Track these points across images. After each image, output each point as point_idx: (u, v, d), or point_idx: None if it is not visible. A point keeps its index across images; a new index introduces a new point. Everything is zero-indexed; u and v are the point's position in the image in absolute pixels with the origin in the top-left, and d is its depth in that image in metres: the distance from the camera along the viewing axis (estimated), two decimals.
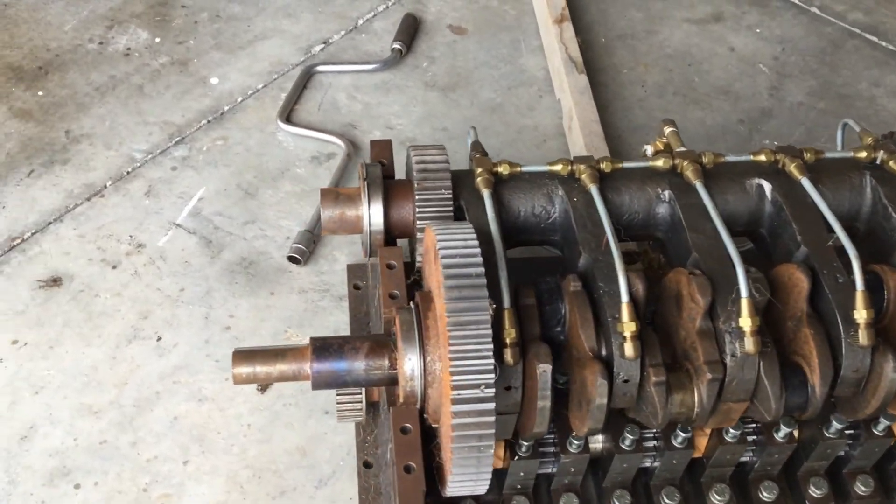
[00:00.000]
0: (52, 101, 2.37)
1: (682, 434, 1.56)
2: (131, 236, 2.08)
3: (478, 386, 1.23)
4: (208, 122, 2.35)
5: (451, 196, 1.53)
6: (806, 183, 1.55)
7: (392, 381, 1.39)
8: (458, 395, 1.23)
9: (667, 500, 1.64)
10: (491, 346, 1.24)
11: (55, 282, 1.98)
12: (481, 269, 1.28)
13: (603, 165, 1.58)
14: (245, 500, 1.68)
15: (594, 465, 1.64)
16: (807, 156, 1.60)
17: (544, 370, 1.33)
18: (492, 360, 1.23)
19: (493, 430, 1.25)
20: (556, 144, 2.36)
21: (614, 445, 1.57)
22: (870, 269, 1.52)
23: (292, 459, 1.74)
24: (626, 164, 1.60)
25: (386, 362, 1.38)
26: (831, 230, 1.55)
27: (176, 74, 2.47)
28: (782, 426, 1.58)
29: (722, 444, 1.58)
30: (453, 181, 1.57)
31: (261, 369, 1.38)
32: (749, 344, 1.36)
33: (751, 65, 2.63)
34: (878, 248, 1.60)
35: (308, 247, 2.05)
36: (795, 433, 1.60)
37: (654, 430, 1.58)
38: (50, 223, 2.10)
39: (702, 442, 1.61)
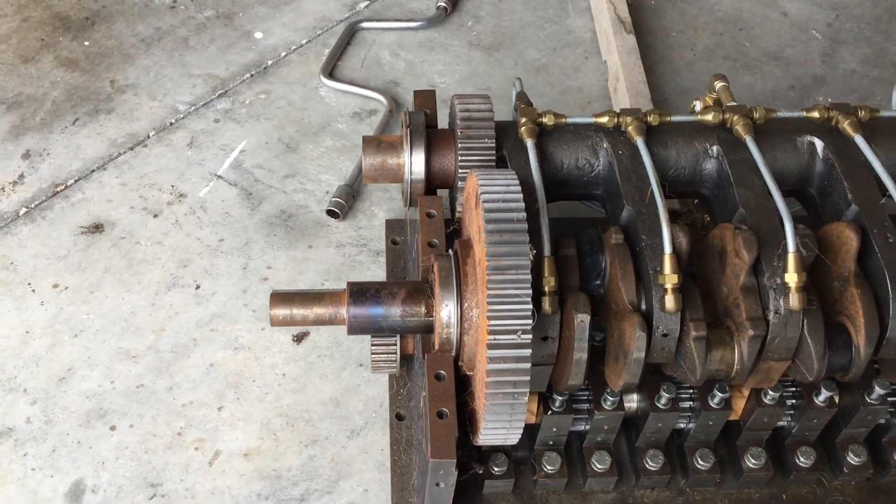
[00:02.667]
0: (99, 51, 2.38)
1: (720, 394, 1.53)
2: (173, 186, 2.08)
3: (515, 332, 1.21)
4: (251, 75, 2.35)
5: (493, 145, 1.51)
6: (860, 140, 1.51)
7: (428, 329, 1.38)
8: (495, 339, 1.21)
9: (700, 463, 1.61)
10: (530, 291, 1.22)
11: (97, 228, 2.00)
12: (523, 215, 1.26)
13: (650, 118, 1.55)
14: (278, 447, 1.68)
15: (627, 424, 1.62)
16: (861, 114, 1.56)
17: (582, 320, 1.31)
18: (530, 306, 1.21)
19: (527, 378, 1.23)
20: (601, 106, 2.32)
21: (650, 404, 1.55)
22: None
23: (325, 409, 1.74)
24: (675, 118, 1.57)
25: (423, 309, 1.37)
26: (884, 190, 1.51)
27: (221, 28, 2.46)
28: (823, 390, 1.55)
29: (760, 406, 1.55)
30: (497, 131, 1.54)
31: (298, 312, 1.38)
32: (794, 300, 1.32)
33: (803, 31, 2.56)
34: None
35: (347, 201, 2.04)
36: (836, 398, 1.58)
37: (691, 391, 1.56)
38: (93, 171, 2.11)
39: (739, 404, 1.58)
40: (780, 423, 1.62)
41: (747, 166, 1.50)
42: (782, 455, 1.64)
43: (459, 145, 1.51)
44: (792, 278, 1.32)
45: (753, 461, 1.62)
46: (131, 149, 2.16)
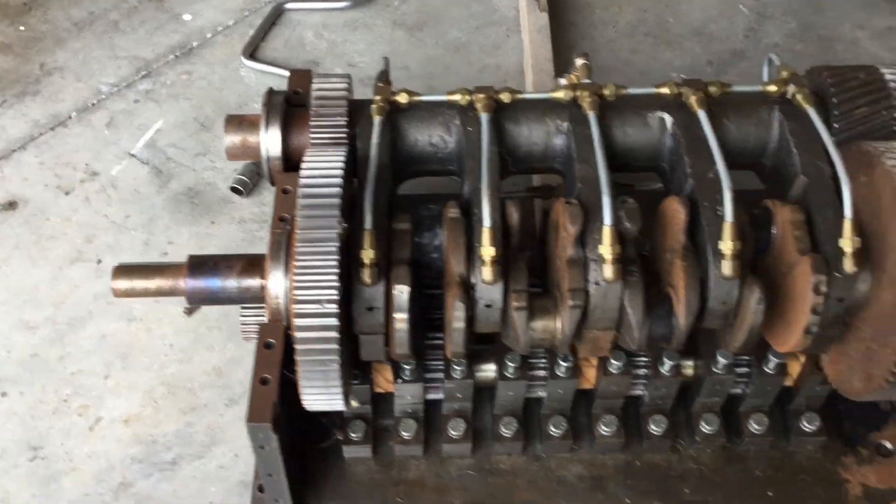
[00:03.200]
0: (32, 35, 2.47)
1: (564, 364, 1.58)
2: (87, 165, 2.16)
3: (320, 301, 1.27)
4: (176, 56, 2.42)
5: (345, 123, 1.56)
6: (702, 115, 1.52)
7: (263, 300, 1.44)
8: (301, 309, 1.27)
9: (554, 430, 1.66)
10: (335, 262, 1.27)
11: (11, 205, 2.09)
12: (336, 190, 1.31)
13: (502, 96, 1.58)
14: (157, 415, 1.76)
15: (484, 392, 1.67)
16: (712, 89, 1.58)
17: (401, 291, 1.36)
18: (334, 277, 1.27)
19: (335, 346, 1.28)
20: (517, 84, 2.35)
21: (499, 373, 1.60)
22: (762, 203, 1.51)
23: (208, 379, 1.81)
24: (527, 96, 1.60)
25: (258, 281, 1.43)
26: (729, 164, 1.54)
27: (151, 10, 2.53)
28: (666, 359, 1.59)
29: (606, 375, 1.60)
30: (353, 110, 1.59)
31: (139, 283, 1.45)
32: (608, 271, 1.36)
33: (731, 5, 2.56)
34: (781, 184, 1.57)
35: (252, 179, 2.10)
36: (688, 369, 1.61)
37: (544, 359, 1.61)
38: (14, 151, 2.20)
39: (590, 373, 1.62)
40: (638, 392, 1.67)
41: (591, 142, 1.53)
42: (637, 422, 1.69)
43: (311, 123, 1.56)
44: (606, 250, 1.36)
45: (606, 428, 1.66)
46: (52, 129, 2.25)
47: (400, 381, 1.59)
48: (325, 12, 2.54)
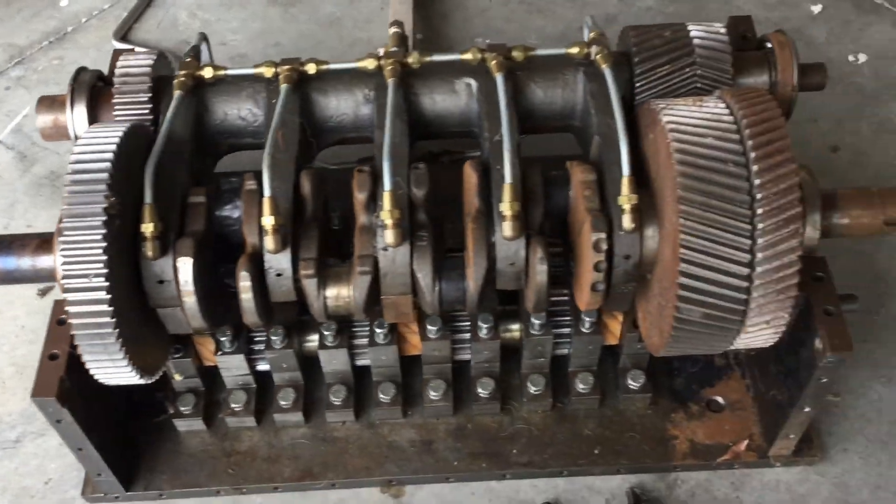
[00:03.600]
0: None
1: (380, 330, 1.60)
2: None
3: (87, 276, 1.28)
4: (49, 42, 2.43)
5: (148, 101, 1.57)
6: (499, 79, 1.53)
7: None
8: (69, 283, 1.29)
9: (383, 396, 1.68)
10: (100, 236, 1.28)
11: None
12: (105, 165, 1.32)
13: (307, 67, 1.59)
14: (4, 394, 1.79)
15: (315, 362, 1.69)
16: (516, 53, 1.58)
17: (184, 262, 1.38)
18: (100, 251, 1.28)
19: (109, 319, 1.30)
20: None
21: (320, 342, 1.63)
22: (564, 165, 1.52)
23: None
24: (335, 66, 1.61)
25: (50, 259, 1.44)
26: (522, 128, 1.55)
27: None
28: (480, 322, 1.61)
29: (424, 339, 1.62)
30: (159, 87, 1.60)
31: None
32: (390, 236, 1.38)
33: None
34: (587, 145, 1.58)
35: None
36: (505, 332, 1.63)
37: (366, 327, 1.63)
38: None
39: (414, 339, 1.64)
40: (465, 357, 1.69)
41: (392, 110, 1.53)
42: (467, 385, 1.71)
43: (115, 101, 1.57)
44: (387, 215, 1.37)
45: (434, 393, 1.68)
46: None
47: (220, 353, 1.62)
48: None
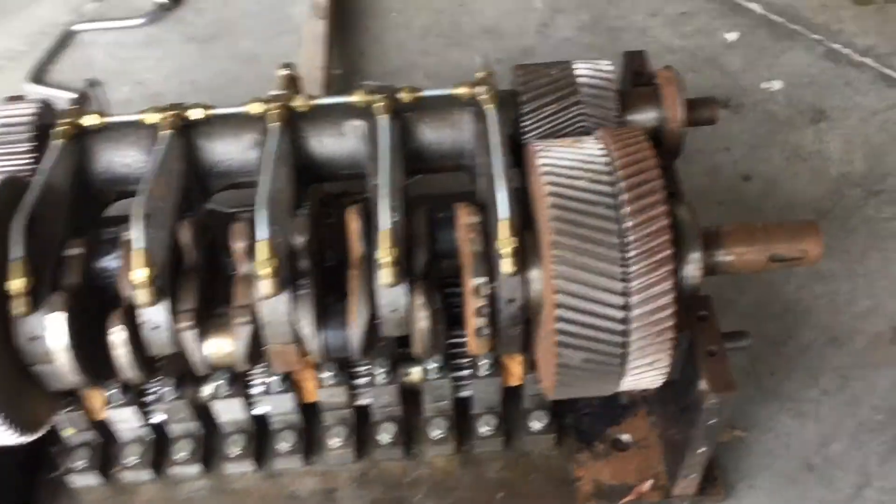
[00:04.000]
0: None
1: (273, 377, 1.58)
2: None
3: None
4: None
5: (28, 151, 1.54)
6: (381, 122, 1.52)
7: None
8: None
9: (284, 445, 1.65)
10: None
11: None
12: None
13: (191, 112, 1.57)
14: None
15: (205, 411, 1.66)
16: (403, 95, 1.57)
17: (55, 318, 1.34)
18: None
19: None
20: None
21: (213, 393, 1.60)
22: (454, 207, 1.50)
23: None
24: (221, 111, 1.59)
25: None
26: (411, 169, 1.55)
27: None
28: (378, 367, 1.58)
29: (320, 387, 1.59)
30: (42, 136, 1.57)
31: None
32: (266, 287, 1.35)
33: (525, 1, 2.56)
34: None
35: None
36: (403, 376, 1.61)
37: (259, 377, 1.60)
38: None
39: (309, 386, 1.62)
40: (365, 401, 1.66)
41: (274, 156, 1.51)
42: (367, 432, 1.68)
43: None
44: (261, 266, 1.35)
45: (335, 440, 1.65)
46: None
47: (111, 406, 1.58)
48: (120, 31, 2.52)
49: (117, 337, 1.36)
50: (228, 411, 1.62)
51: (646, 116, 1.62)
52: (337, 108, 1.59)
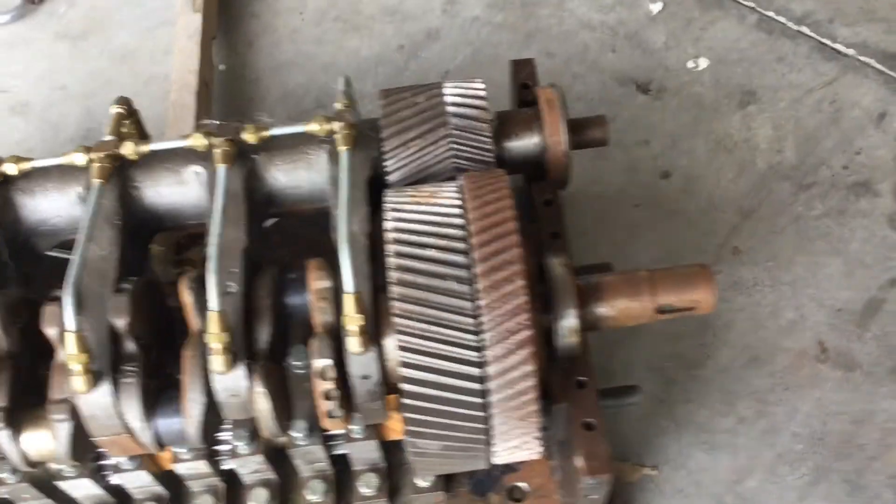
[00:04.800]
0: None
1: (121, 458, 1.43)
2: None
3: None
4: None
5: None
6: (220, 173, 1.34)
7: None
8: None
9: None
10: None
11: None
12: None
13: (4, 167, 1.38)
14: None
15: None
16: (247, 136, 1.38)
17: None
18: None
19: None
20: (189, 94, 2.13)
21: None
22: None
23: None
24: (40, 163, 1.40)
25: None
26: (286, 213, 1.38)
27: None
28: (234, 440, 1.43)
29: (176, 461, 1.44)
30: None
31: None
32: (77, 383, 1.19)
33: None
34: None
35: None
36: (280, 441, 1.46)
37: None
38: None
39: (163, 458, 1.47)
40: (231, 467, 1.52)
41: (96, 217, 1.33)
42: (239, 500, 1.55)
43: None
44: (71, 361, 1.18)
45: None
46: None
47: None
48: None
49: None
50: (77, 489, 1.47)
51: (526, 143, 1.44)
52: (175, 154, 1.40)
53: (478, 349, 1.13)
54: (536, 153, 1.43)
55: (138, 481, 1.47)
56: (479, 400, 1.15)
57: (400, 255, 1.16)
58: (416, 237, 1.17)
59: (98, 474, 1.46)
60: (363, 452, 1.49)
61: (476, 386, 1.14)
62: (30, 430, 1.26)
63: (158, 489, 1.51)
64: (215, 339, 1.19)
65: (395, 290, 1.14)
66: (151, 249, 1.51)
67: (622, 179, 1.96)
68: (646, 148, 2.00)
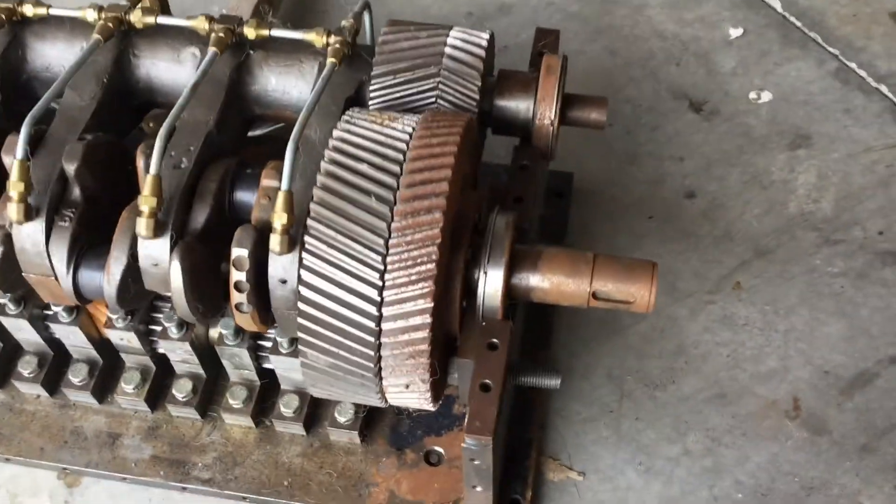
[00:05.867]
0: None
1: (57, 307, 1.47)
2: None
3: None
4: None
5: None
6: (209, 55, 1.35)
7: None
8: None
9: (74, 378, 1.55)
10: None
11: None
12: None
13: (24, 8, 1.44)
14: None
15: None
16: (248, 30, 1.40)
17: None
18: None
19: None
20: None
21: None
22: None
23: None
24: (56, 12, 1.44)
25: None
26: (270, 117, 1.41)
27: None
28: (164, 321, 1.45)
29: (110, 327, 1.47)
30: None
31: None
32: (12, 211, 1.23)
33: None
34: None
35: None
36: (204, 336, 1.48)
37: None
38: None
39: (99, 324, 1.51)
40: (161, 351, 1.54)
41: (95, 68, 1.38)
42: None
43: None
44: (11, 187, 1.22)
45: (126, 385, 1.55)
46: None
47: None
48: None
49: None
50: (19, 331, 1.52)
51: (517, 105, 1.40)
52: (179, 32, 1.43)
53: (380, 272, 1.11)
54: (526, 117, 1.40)
55: (74, 339, 1.52)
56: (371, 324, 1.12)
57: (334, 162, 1.15)
58: (354, 150, 1.16)
59: (39, 322, 1.51)
60: (287, 371, 1.49)
61: (371, 309, 1.12)
62: None
63: (93, 353, 1.56)
64: (145, 202, 1.20)
65: (316, 193, 1.13)
66: (143, 127, 1.54)
67: (644, 189, 1.89)
68: (678, 164, 1.93)
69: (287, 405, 1.52)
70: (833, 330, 1.70)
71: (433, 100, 1.35)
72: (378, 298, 1.11)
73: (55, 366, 1.58)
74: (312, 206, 1.13)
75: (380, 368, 1.17)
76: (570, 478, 1.56)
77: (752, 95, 2.03)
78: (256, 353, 1.48)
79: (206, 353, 1.51)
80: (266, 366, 1.51)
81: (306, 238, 1.12)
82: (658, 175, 1.91)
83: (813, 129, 1.97)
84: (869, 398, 1.63)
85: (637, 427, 1.61)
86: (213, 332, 1.48)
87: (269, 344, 1.47)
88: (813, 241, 1.81)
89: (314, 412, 1.55)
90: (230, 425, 1.56)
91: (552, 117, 1.37)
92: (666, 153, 1.95)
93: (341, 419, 1.51)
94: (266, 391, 1.55)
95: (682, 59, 2.10)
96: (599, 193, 1.89)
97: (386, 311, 1.12)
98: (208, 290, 1.28)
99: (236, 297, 1.23)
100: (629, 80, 2.07)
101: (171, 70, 1.44)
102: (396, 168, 1.14)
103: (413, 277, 1.10)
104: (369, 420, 1.55)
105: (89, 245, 1.30)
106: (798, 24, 2.15)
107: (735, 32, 2.14)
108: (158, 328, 1.48)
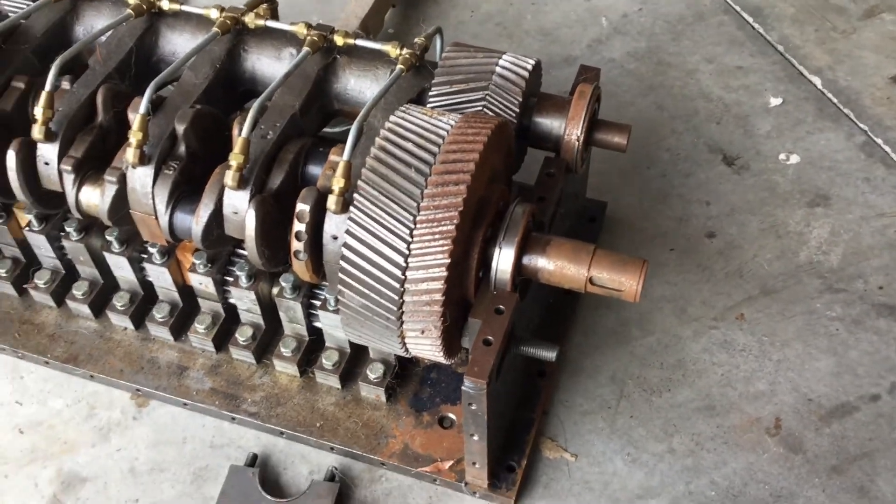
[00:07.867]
0: None
1: (153, 249, 1.76)
2: None
3: None
4: None
5: None
6: (302, 53, 1.65)
7: None
8: None
9: (157, 314, 1.84)
10: None
11: None
12: None
13: (162, 3, 1.77)
14: None
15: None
16: (337, 38, 1.70)
17: None
18: None
19: None
20: None
21: (105, 246, 1.80)
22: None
23: None
24: (187, 8, 1.78)
25: None
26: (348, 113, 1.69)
27: None
28: (237, 270, 1.72)
29: (192, 271, 1.76)
30: None
31: None
32: (129, 155, 1.53)
33: (594, 15, 2.59)
34: None
35: None
36: (261, 287, 1.74)
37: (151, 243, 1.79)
38: None
39: (185, 269, 1.79)
40: (231, 301, 1.81)
41: (203, 54, 1.70)
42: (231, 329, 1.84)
43: None
44: (132, 135, 1.53)
45: (199, 326, 1.82)
46: None
47: (28, 229, 1.83)
48: None
49: (10, 160, 1.59)
50: (118, 268, 1.82)
51: (550, 122, 1.66)
52: (282, 35, 1.74)
53: (411, 229, 1.36)
54: (558, 133, 1.65)
55: (162, 280, 1.81)
56: (398, 272, 1.38)
57: (387, 139, 1.42)
58: (405, 132, 1.43)
59: (136, 262, 1.81)
60: (332, 328, 1.75)
61: (399, 259, 1.37)
62: (89, 184, 1.61)
63: (175, 296, 1.84)
64: (234, 158, 1.50)
65: (368, 161, 1.40)
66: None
67: (670, 225, 2.11)
68: (704, 207, 2.14)
69: (328, 358, 1.77)
70: (822, 365, 1.88)
71: (480, 109, 1.61)
72: (406, 251, 1.37)
73: (143, 304, 1.87)
74: (364, 171, 1.40)
75: (402, 313, 1.41)
76: (564, 457, 1.76)
77: (782, 156, 2.24)
78: (308, 309, 1.75)
79: (267, 306, 1.78)
80: (315, 324, 1.77)
81: (356, 196, 1.39)
82: (684, 214, 2.13)
83: (833, 192, 2.17)
84: (846, 427, 1.79)
85: (630, 424, 1.81)
86: (275, 289, 1.75)
87: (318, 302, 1.73)
88: (817, 287, 2.00)
89: (350, 369, 1.80)
90: (279, 372, 1.82)
91: (579, 135, 1.62)
92: (694, 197, 2.17)
93: (372, 376, 1.76)
94: (313, 346, 1.81)
95: (722, 119, 2.33)
96: (629, 223, 2.11)
97: (411, 261, 1.37)
98: (275, 240, 1.56)
99: (295, 245, 1.50)
100: (671, 131, 2.30)
101: (271, 65, 1.75)
102: (435, 149, 1.40)
103: (436, 236, 1.35)
104: (397, 386, 1.79)
105: (185, 193, 1.59)
106: (834, 100, 2.36)
107: (775, 101, 2.36)
108: (231, 278, 1.77)
